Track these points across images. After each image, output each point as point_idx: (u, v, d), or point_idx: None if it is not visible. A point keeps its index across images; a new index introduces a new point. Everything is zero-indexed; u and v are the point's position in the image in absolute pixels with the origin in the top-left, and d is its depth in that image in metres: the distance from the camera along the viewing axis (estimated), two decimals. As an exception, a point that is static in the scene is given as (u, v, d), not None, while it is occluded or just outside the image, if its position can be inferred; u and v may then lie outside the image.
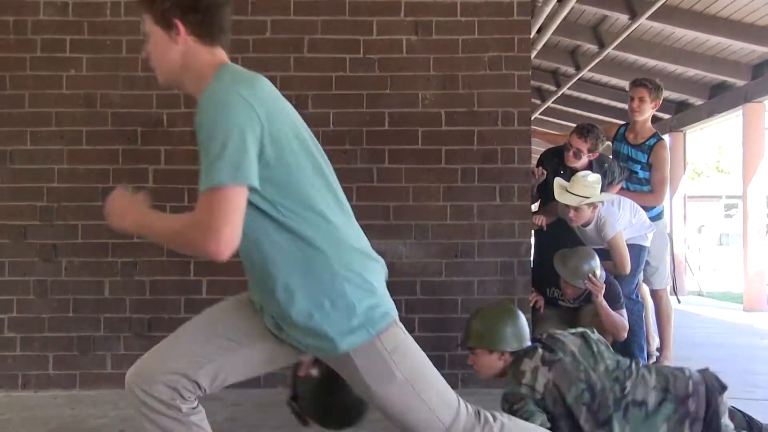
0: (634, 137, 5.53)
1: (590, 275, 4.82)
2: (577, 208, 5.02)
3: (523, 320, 3.37)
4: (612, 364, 3.15)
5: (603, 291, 4.83)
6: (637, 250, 5.33)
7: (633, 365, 3.14)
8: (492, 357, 3.30)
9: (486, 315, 3.45)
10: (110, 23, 5.02)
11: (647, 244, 5.52)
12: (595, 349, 3.19)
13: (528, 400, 3.04)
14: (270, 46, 5.04)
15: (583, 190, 4.98)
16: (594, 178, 5.04)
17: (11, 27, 5.01)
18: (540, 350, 3.21)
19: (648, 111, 5.48)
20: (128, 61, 5.01)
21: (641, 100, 5.41)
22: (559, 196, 5.08)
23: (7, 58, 5.01)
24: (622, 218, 5.18)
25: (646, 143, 5.47)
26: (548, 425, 2.98)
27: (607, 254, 5.14)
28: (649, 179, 5.48)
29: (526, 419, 2.94)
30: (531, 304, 5.07)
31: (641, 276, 5.58)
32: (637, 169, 5.48)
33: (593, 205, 5.05)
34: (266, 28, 5.04)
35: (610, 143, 5.80)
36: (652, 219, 5.47)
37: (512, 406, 3.04)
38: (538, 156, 5.77)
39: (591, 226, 5.13)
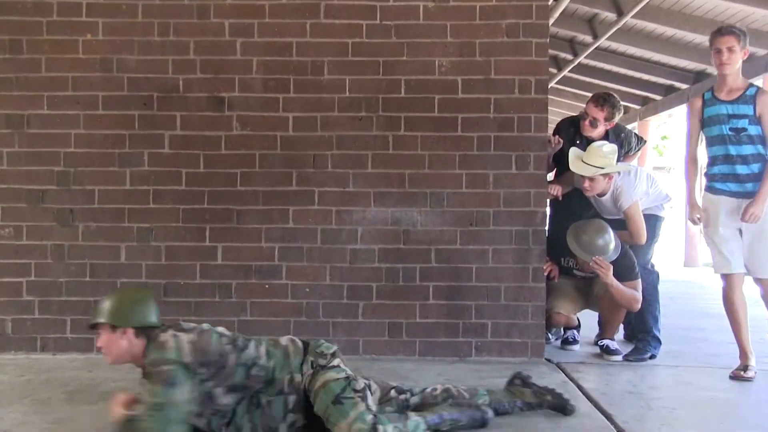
0: (728, 93, 4.66)
1: (596, 258, 4.82)
2: (591, 178, 5.00)
3: (151, 303, 3.22)
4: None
5: (609, 271, 4.83)
6: (653, 220, 5.32)
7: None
8: (115, 335, 3.10)
9: (115, 294, 3.32)
10: (126, -13, 5.00)
11: (663, 214, 5.49)
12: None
13: (175, 364, 2.98)
14: (286, 11, 5.01)
15: (598, 161, 4.96)
16: (609, 148, 5.01)
17: (27, -9, 5.00)
18: (171, 328, 3.15)
19: (739, 61, 4.63)
20: (144, 26, 5.00)
21: (730, 50, 4.55)
22: (574, 166, 5.06)
23: (23, 22, 5.00)
24: (638, 188, 5.15)
25: (746, 93, 4.61)
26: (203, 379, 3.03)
27: (623, 224, 5.12)
28: (762, 136, 4.59)
29: (175, 381, 2.95)
30: (545, 273, 5.07)
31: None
32: (745, 125, 4.58)
33: (608, 176, 5.02)
34: (282, -7, 5.01)
35: (623, 113, 5.69)
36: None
37: (159, 370, 2.98)
38: (555, 125, 5.74)
39: (607, 196, 5.11)
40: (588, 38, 12.15)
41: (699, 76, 12.91)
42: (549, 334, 5.49)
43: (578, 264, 5.14)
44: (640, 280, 4.99)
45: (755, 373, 4.56)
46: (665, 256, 6.12)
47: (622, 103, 5.56)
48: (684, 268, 12.82)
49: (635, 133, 5.86)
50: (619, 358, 5.03)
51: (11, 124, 5.01)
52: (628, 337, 5.54)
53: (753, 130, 4.59)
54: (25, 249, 5.00)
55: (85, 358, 4.86)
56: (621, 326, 5.47)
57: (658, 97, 14.76)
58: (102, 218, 5.01)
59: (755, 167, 4.57)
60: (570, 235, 4.97)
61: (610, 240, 4.89)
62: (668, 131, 29.59)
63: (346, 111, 5.01)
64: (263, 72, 5.01)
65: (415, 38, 5.01)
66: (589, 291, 5.29)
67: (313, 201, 5.01)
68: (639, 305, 4.97)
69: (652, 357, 5.03)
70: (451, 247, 5.01)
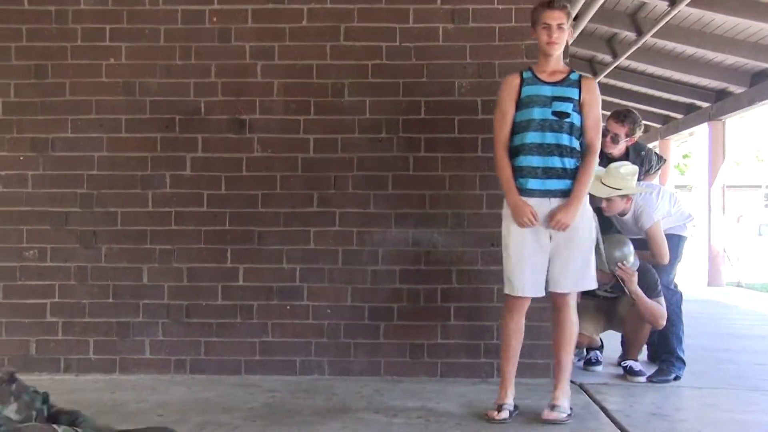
0: (551, 75, 4.09)
1: (620, 263, 4.80)
2: (608, 199, 4.96)
3: None
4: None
5: (634, 278, 4.80)
6: (675, 240, 5.28)
7: None
8: None
9: None
10: (149, 12, 5.07)
11: (686, 234, 5.46)
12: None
13: None
14: (307, 34, 5.05)
15: (616, 182, 4.93)
16: (628, 170, 4.99)
17: (53, 16, 5.08)
18: None
19: (565, 41, 4.13)
20: (166, 50, 5.06)
21: (560, 27, 4.02)
22: (591, 186, 5.02)
23: (48, 47, 5.08)
24: (660, 208, 5.13)
25: (570, 77, 4.09)
26: None
27: (645, 244, 5.09)
28: (581, 129, 4.05)
29: None
30: None
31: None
32: (569, 110, 4.00)
33: (627, 196, 5.00)
34: (303, 16, 5.05)
35: (644, 132, 5.67)
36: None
37: None
38: None
39: (628, 216, 5.09)
40: (607, 57, 12.15)
41: (720, 95, 12.86)
42: (571, 355, 5.44)
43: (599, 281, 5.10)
44: (663, 298, 4.95)
45: (510, 414, 3.96)
46: (688, 276, 6.08)
47: (643, 121, 5.54)
48: (707, 288, 12.71)
49: (655, 152, 5.84)
50: (643, 379, 4.98)
51: (36, 147, 5.07)
52: (652, 358, 5.49)
53: (575, 118, 4.03)
54: (49, 271, 5.05)
55: (108, 380, 4.89)
56: (644, 347, 5.42)
57: (678, 116, 14.72)
58: (124, 240, 5.05)
59: (570, 163, 4.01)
60: None
61: (629, 253, 4.86)
62: (689, 149, 29.42)
63: (366, 132, 5.04)
64: (284, 94, 5.05)
65: (435, 60, 5.03)
66: (612, 311, 5.25)
67: (333, 222, 5.02)
68: (664, 321, 4.92)
69: (677, 378, 4.97)
70: (472, 268, 4.99)
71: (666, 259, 5.07)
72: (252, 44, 5.06)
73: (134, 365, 5.02)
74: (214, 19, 5.07)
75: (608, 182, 4.95)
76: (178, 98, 5.07)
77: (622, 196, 4.99)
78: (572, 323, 4.11)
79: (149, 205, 5.05)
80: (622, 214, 5.10)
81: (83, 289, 5.04)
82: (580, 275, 4.07)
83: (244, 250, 5.03)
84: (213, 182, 5.04)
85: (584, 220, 4.06)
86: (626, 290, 4.90)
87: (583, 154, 4.06)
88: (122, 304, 5.04)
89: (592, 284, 4.16)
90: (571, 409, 3.99)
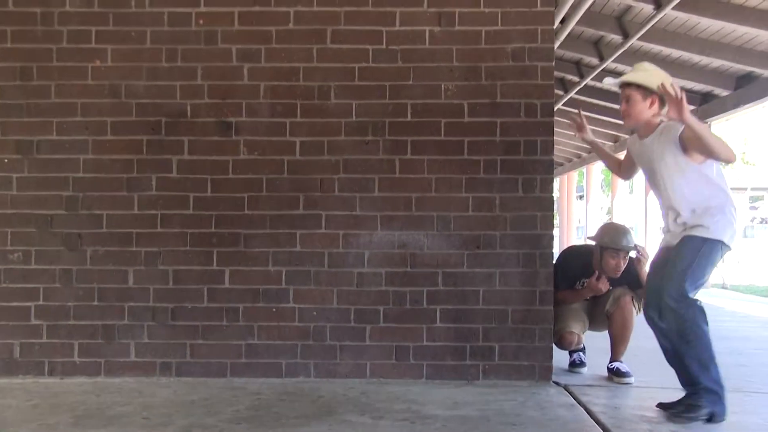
0: None
1: (638, 246, 5.14)
2: (627, 101, 4.35)
3: None
4: None
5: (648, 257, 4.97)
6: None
7: None
8: None
9: None
10: (135, 14, 5.06)
11: None
12: None
13: None
14: (293, 37, 5.05)
15: (636, 74, 4.39)
16: (652, 65, 4.39)
17: (38, 18, 5.06)
18: None
19: None
20: (152, 52, 5.05)
21: None
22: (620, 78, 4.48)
23: (33, 49, 5.06)
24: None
25: None
26: None
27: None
28: None
29: None
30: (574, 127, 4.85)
31: None
32: None
33: (650, 97, 4.29)
34: (289, 18, 5.05)
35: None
36: None
37: None
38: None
39: (651, 137, 4.35)
40: (594, 60, 12.20)
41: (705, 98, 12.93)
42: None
43: (606, 269, 5.11)
44: None
45: None
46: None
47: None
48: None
49: None
50: (631, 380, 4.98)
51: (21, 149, 5.05)
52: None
53: None
54: (34, 273, 5.03)
55: (93, 382, 4.87)
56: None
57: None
58: (110, 242, 5.03)
59: None
60: (599, 238, 5.19)
61: (633, 238, 5.19)
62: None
63: (352, 135, 5.04)
64: (270, 97, 5.05)
65: (421, 62, 5.04)
66: (594, 311, 5.31)
67: (320, 225, 5.02)
68: None
69: (711, 417, 4.05)
70: (458, 270, 5.01)
71: (729, 153, 4.02)
72: (238, 46, 5.06)
73: (119, 368, 5.01)
74: (201, 22, 5.06)
75: (629, 75, 4.42)
76: (164, 100, 5.06)
77: (645, 93, 4.30)
78: None
79: (135, 207, 5.03)
80: (644, 135, 4.38)
81: (68, 292, 5.02)
82: None
83: (230, 252, 5.03)
84: (199, 185, 5.03)
85: None
86: (636, 268, 5.12)
87: None
88: (107, 307, 5.02)
89: None
90: None
